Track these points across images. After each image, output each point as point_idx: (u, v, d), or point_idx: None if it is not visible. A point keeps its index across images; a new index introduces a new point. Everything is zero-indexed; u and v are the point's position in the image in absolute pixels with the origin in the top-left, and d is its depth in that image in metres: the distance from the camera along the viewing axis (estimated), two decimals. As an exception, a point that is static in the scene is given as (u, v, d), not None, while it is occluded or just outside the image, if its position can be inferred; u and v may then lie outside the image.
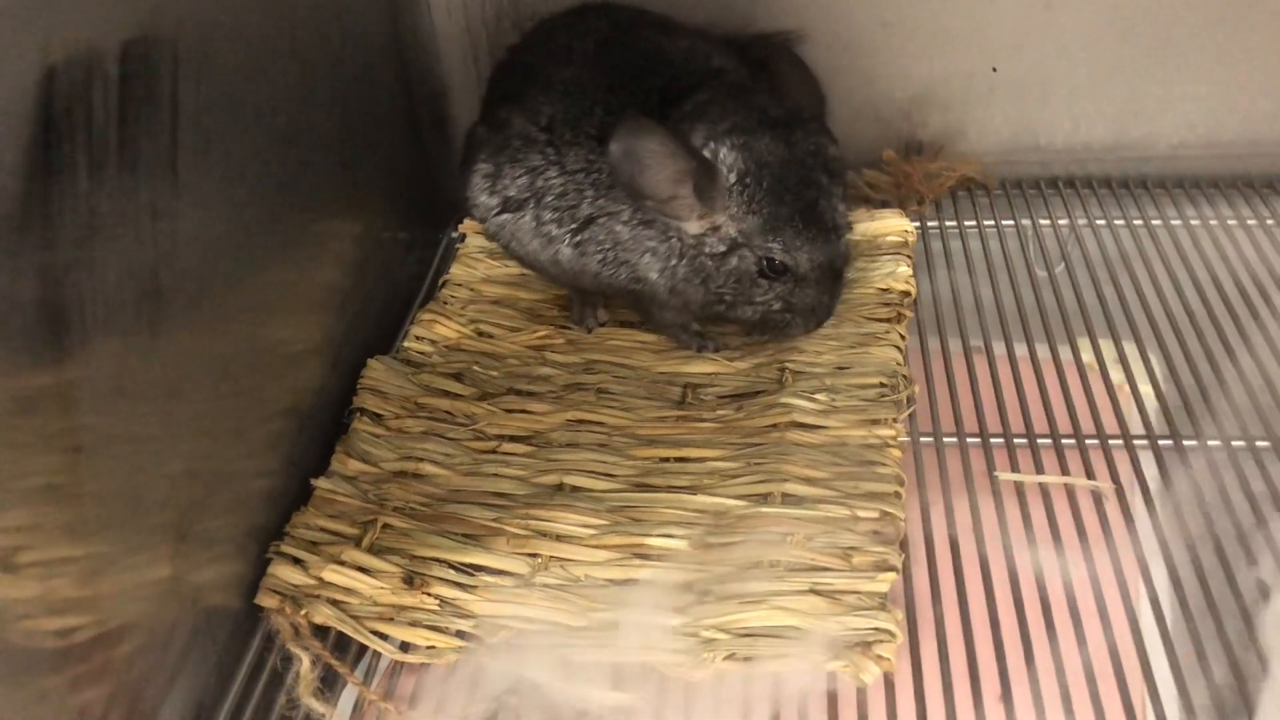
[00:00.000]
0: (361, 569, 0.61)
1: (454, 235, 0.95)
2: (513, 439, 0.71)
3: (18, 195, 0.46)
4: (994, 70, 0.96)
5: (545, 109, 0.75)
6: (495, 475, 0.68)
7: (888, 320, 0.79)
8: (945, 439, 0.70)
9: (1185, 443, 0.69)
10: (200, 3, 0.59)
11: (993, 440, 0.70)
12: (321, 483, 0.68)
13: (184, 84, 0.56)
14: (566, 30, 0.80)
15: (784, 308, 0.71)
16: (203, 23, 0.59)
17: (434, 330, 0.82)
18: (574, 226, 0.74)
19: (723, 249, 0.70)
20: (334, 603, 0.60)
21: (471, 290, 0.87)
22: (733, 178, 0.69)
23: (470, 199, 0.80)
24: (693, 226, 0.70)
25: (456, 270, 0.89)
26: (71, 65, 0.48)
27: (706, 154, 0.69)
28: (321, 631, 0.60)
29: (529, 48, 0.82)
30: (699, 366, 0.77)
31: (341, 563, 0.62)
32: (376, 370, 0.77)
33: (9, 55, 0.45)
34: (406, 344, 0.81)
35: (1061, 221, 0.93)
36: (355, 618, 0.60)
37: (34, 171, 0.46)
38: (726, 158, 0.69)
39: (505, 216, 0.78)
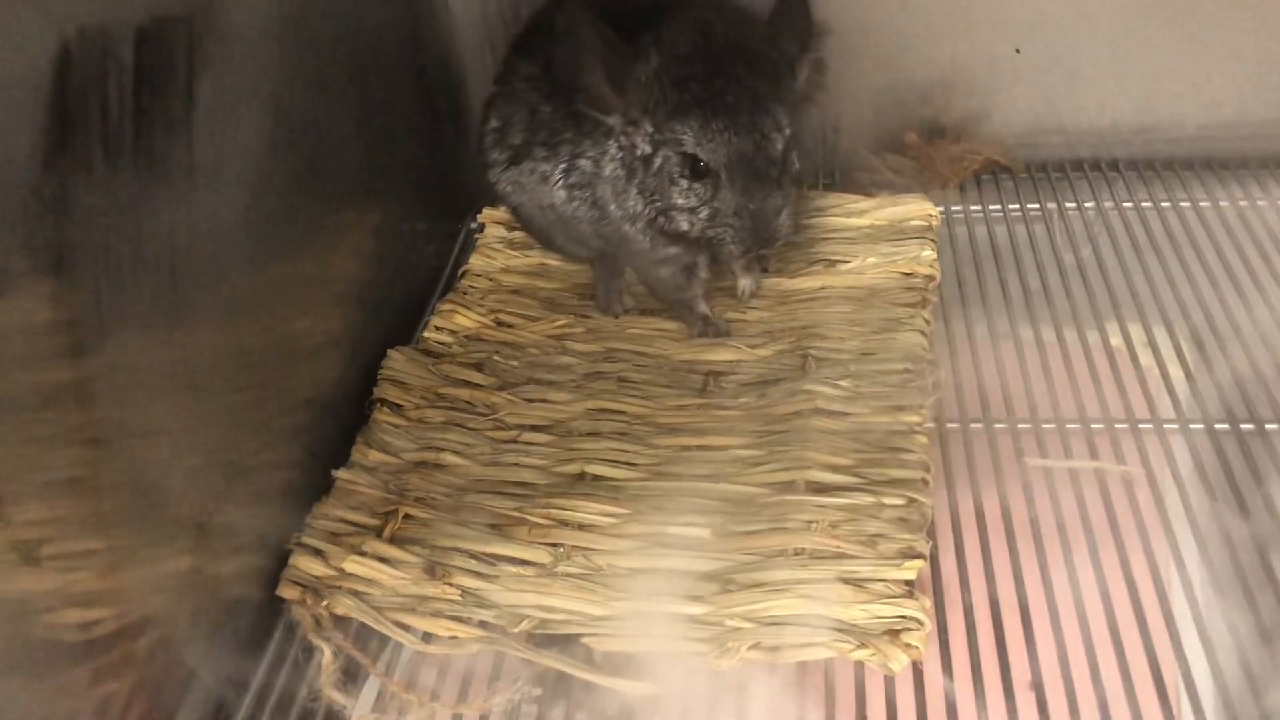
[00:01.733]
0: (382, 559, 0.61)
1: (473, 226, 0.94)
2: (533, 428, 0.71)
3: (34, 186, 0.45)
4: (1017, 52, 0.95)
5: (544, 51, 0.76)
6: (516, 465, 0.68)
7: (912, 305, 0.78)
8: (972, 425, 0.69)
9: (1217, 426, 0.68)
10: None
11: (1020, 426, 0.69)
12: (342, 474, 0.68)
13: (200, 74, 0.56)
14: None
15: (710, 216, 0.69)
16: (218, 12, 0.58)
17: (454, 320, 0.81)
18: (563, 165, 0.76)
19: (649, 149, 0.70)
20: (355, 594, 0.60)
21: (491, 280, 0.86)
22: (649, 70, 0.69)
23: (484, 158, 0.82)
24: (616, 121, 0.71)
25: (475, 260, 0.88)
26: (87, 54, 0.48)
27: (634, 51, 0.69)
28: (343, 623, 0.60)
29: (543, 8, 0.83)
30: (720, 354, 0.76)
31: (362, 553, 0.61)
32: (396, 361, 0.76)
33: (24, 44, 0.45)
34: (426, 334, 0.81)
35: (1088, 204, 0.91)
36: (377, 609, 0.59)
37: (50, 163, 0.46)
38: (646, 53, 0.69)
39: (512, 171, 0.79)
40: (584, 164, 0.74)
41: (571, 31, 0.67)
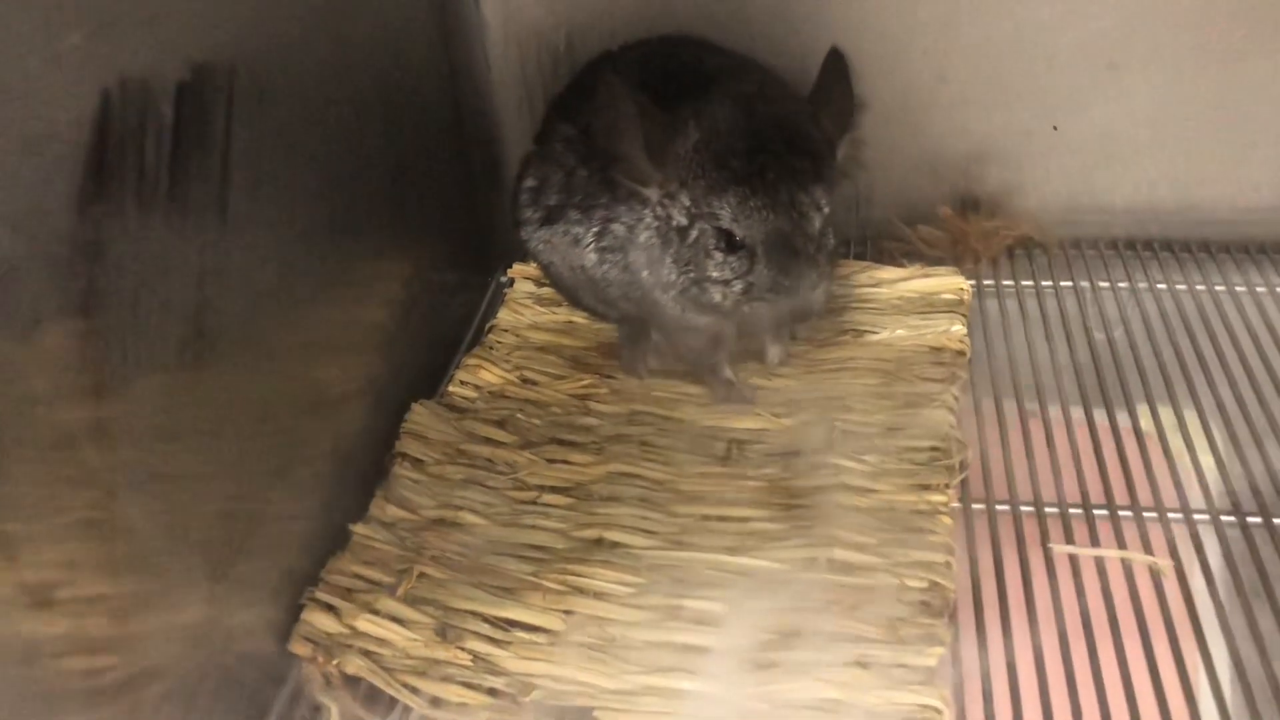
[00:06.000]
0: (395, 619, 0.61)
1: (503, 280, 0.95)
2: (553, 490, 0.70)
3: (69, 231, 0.46)
4: (1054, 129, 0.94)
5: (584, 113, 0.77)
6: (534, 527, 0.67)
7: (941, 380, 0.77)
8: (998, 507, 0.68)
9: (1249, 519, 0.66)
10: (256, 46, 0.59)
11: (1047, 510, 0.68)
12: (359, 528, 0.67)
13: (237, 126, 0.56)
14: (621, 50, 0.83)
15: (745, 290, 0.69)
16: (258, 66, 0.59)
17: (479, 375, 0.81)
18: (595, 229, 0.76)
19: (684, 221, 0.70)
20: (366, 653, 0.60)
21: (518, 336, 0.86)
22: (689, 144, 0.69)
23: (518, 215, 0.82)
24: (654, 192, 0.71)
25: (504, 315, 0.88)
26: (126, 107, 0.48)
27: (674, 124, 0.69)
28: (352, 682, 0.59)
29: (584, 71, 0.85)
30: (744, 422, 0.75)
31: (376, 611, 0.61)
32: (420, 414, 0.76)
33: (66, 96, 0.45)
34: (451, 388, 0.80)
35: (1121, 284, 0.91)
36: (387, 670, 0.59)
37: (84, 211, 0.46)
38: (687, 126, 0.69)
39: (545, 230, 0.80)
40: (617, 229, 0.74)
41: (611, 102, 0.68)
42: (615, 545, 0.66)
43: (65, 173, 0.45)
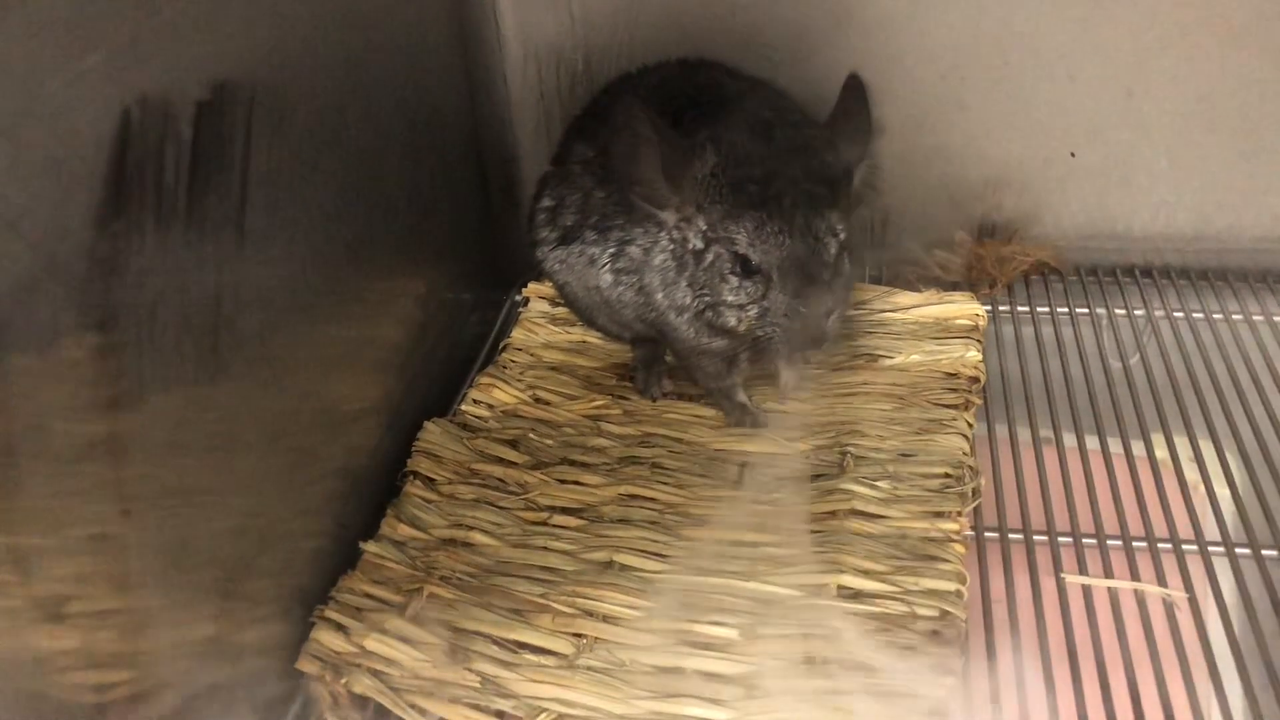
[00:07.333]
0: (404, 639, 0.60)
1: (517, 299, 0.95)
2: (564, 511, 0.70)
3: (86, 250, 0.46)
4: (1072, 155, 0.94)
5: (601, 135, 0.77)
6: (544, 549, 0.67)
7: (955, 406, 0.77)
8: (1011, 535, 0.68)
9: (1264, 552, 0.66)
10: (275, 66, 0.59)
11: (1060, 539, 0.67)
12: (370, 547, 0.67)
13: (256, 145, 0.57)
14: (639, 73, 0.84)
15: (760, 314, 0.69)
16: (277, 86, 0.59)
17: (492, 394, 0.81)
18: (612, 250, 0.76)
19: (700, 245, 0.70)
20: (375, 673, 0.59)
21: (531, 355, 0.86)
22: (706, 169, 0.69)
23: (534, 235, 0.83)
24: (670, 216, 0.71)
25: (518, 334, 0.88)
26: (146, 127, 0.48)
27: (692, 148, 0.69)
28: (360, 701, 0.59)
29: (602, 93, 0.85)
30: (756, 445, 0.75)
31: (385, 631, 0.61)
32: (432, 433, 0.76)
33: (86, 116, 0.46)
34: (464, 407, 0.81)
35: (1138, 312, 0.90)
36: (395, 690, 0.59)
37: (104, 228, 0.47)
38: (704, 150, 0.69)
39: (560, 250, 0.80)
40: (633, 251, 0.74)
41: (629, 124, 0.68)
42: (625, 568, 0.65)
43: (85, 191, 0.46)
